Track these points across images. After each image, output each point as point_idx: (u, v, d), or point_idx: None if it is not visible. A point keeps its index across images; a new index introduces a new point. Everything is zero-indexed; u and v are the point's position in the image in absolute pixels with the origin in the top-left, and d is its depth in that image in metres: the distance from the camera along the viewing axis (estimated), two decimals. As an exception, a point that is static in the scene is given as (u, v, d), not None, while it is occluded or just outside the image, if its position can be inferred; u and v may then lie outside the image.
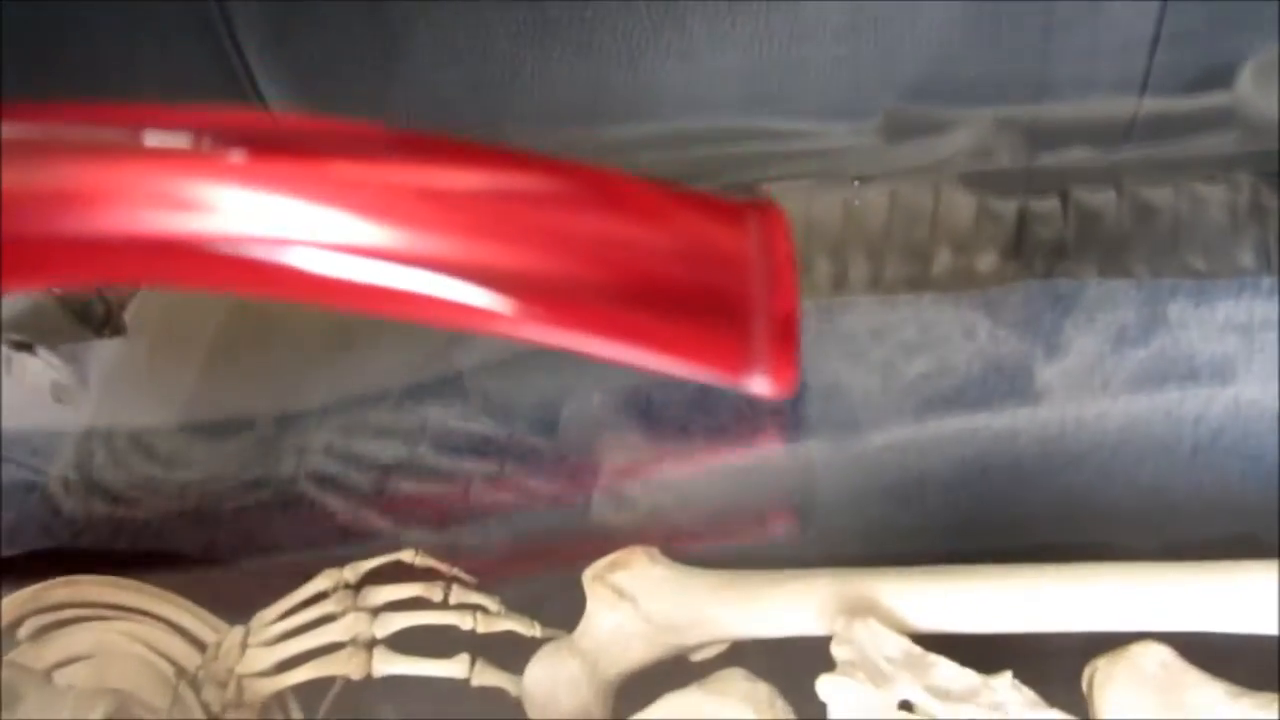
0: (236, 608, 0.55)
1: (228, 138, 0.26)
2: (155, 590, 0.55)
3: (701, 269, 0.27)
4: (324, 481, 0.60)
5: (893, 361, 0.56)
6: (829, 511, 0.54)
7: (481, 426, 0.60)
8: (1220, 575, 0.46)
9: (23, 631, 0.54)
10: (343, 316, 0.67)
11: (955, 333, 0.56)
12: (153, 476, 0.62)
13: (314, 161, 0.25)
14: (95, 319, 0.71)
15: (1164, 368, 0.54)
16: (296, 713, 0.51)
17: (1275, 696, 0.44)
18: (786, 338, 0.26)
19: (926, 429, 0.54)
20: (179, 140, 0.26)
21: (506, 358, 0.59)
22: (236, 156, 0.25)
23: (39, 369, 0.64)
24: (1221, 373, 0.53)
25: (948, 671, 0.45)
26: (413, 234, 0.25)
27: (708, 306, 0.26)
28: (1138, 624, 0.46)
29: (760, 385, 0.26)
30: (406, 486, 0.59)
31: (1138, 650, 0.46)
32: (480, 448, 0.59)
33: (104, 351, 0.65)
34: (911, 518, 0.53)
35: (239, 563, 0.58)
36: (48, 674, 0.44)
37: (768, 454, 0.57)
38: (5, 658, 0.52)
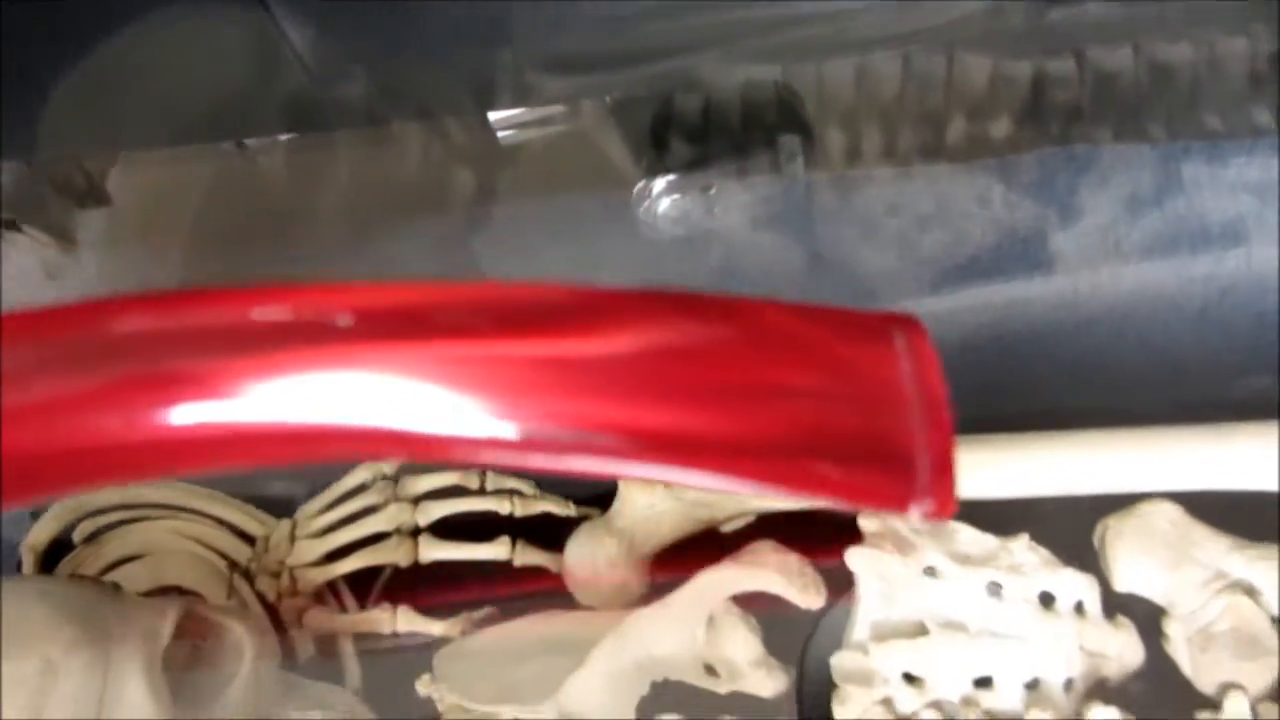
0: (276, 503, 0.57)
1: (332, 313, 0.24)
2: (198, 488, 0.56)
3: (861, 409, 0.26)
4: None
5: (907, 233, 0.56)
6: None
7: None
8: (1226, 436, 0.48)
9: (76, 535, 0.56)
10: (354, 200, 0.66)
11: (969, 201, 0.56)
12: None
13: (436, 341, 0.24)
14: (77, 190, 0.69)
15: (1177, 228, 0.54)
16: (349, 599, 0.54)
17: (1276, 548, 0.46)
18: (946, 472, 0.26)
19: (942, 300, 0.55)
20: (277, 315, 0.25)
21: (523, 244, 0.59)
22: (344, 322, 0.24)
23: (28, 246, 0.64)
24: (1234, 232, 0.53)
25: (968, 537, 0.48)
26: (553, 406, 0.24)
27: (871, 450, 0.26)
28: (1148, 485, 0.48)
29: (919, 513, 0.27)
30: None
31: (1147, 508, 0.48)
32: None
33: (90, 223, 0.64)
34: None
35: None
36: (113, 582, 0.46)
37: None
38: (61, 567, 0.54)
